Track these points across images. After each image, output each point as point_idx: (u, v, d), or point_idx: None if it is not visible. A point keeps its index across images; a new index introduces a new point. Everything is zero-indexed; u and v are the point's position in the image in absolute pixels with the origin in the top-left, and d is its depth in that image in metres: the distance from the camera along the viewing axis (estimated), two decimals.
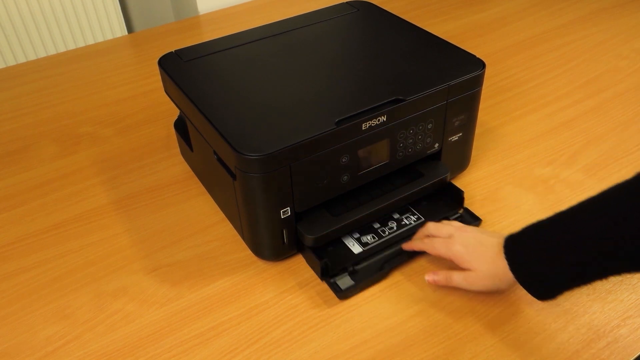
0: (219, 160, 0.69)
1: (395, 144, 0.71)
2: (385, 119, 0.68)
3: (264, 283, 0.70)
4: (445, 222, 0.72)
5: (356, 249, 0.72)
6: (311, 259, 0.70)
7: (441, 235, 0.68)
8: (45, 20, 1.60)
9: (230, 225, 0.78)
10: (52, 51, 1.65)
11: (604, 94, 1.04)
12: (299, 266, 0.72)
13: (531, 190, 0.83)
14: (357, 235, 0.73)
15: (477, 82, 0.75)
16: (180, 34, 1.35)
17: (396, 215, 0.76)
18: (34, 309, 0.69)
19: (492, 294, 0.66)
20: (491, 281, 0.63)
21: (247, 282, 0.71)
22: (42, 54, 1.63)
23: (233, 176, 0.66)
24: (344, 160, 0.67)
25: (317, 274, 0.70)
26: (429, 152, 0.77)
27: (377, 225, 0.75)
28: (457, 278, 0.65)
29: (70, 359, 0.63)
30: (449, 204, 0.78)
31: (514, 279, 0.59)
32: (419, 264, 0.72)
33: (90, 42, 1.69)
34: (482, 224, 0.76)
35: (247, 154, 0.61)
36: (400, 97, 0.68)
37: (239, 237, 0.76)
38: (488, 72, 1.11)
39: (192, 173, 0.89)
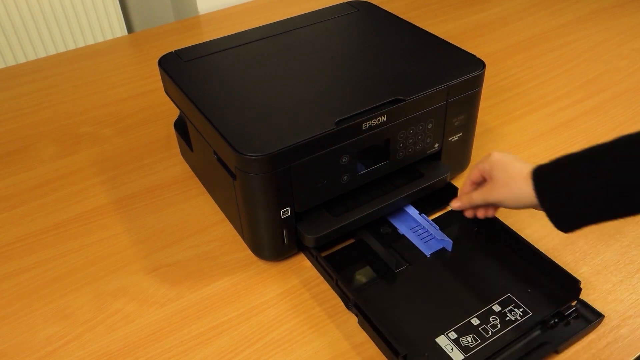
0: (219, 160, 0.69)
1: (395, 144, 0.71)
2: (385, 119, 0.68)
3: (264, 283, 0.70)
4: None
5: (457, 355, 0.59)
6: None
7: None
8: (45, 20, 1.60)
9: (230, 225, 0.78)
10: (52, 51, 1.65)
11: (604, 94, 1.04)
12: (299, 266, 0.72)
13: None
14: (454, 336, 0.61)
15: (477, 82, 0.75)
16: (180, 34, 1.35)
17: (497, 308, 0.64)
18: (34, 309, 0.69)
19: None
20: (509, 192, 0.60)
21: (247, 282, 0.71)
22: (42, 54, 1.63)
23: (233, 176, 0.66)
24: (344, 160, 0.67)
25: None
26: (429, 152, 0.77)
27: (476, 322, 0.63)
28: (476, 195, 0.65)
29: (70, 359, 0.63)
30: (560, 294, 0.65)
31: (535, 202, 0.57)
32: None
33: (90, 42, 1.69)
34: None
35: (247, 154, 0.61)
36: (400, 97, 0.68)
37: (239, 237, 0.76)
38: (488, 72, 1.11)
39: (192, 173, 0.89)
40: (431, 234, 0.73)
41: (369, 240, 0.73)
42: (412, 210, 0.76)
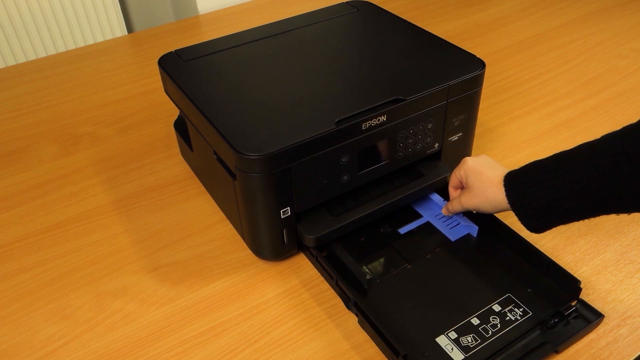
0: (219, 160, 0.69)
1: (395, 144, 0.71)
2: (385, 119, 0.68)
3: (264, 283, 0.70)
4: None
5: (457, 355, 0.59)
6: None
7: None
8: (45, 20, 1.60)
9: (230, 225, 0.78)
10: (52, 51, 1.64)
11: (604, 93, 1.04)
12: (299, 266, 0.72)
13: None
14: (454, 336, 0.61)
15: (477, 82, 0.75)
16: (180, 34, 1.35)
17: (497, 308, 0.64)
18: (34, 309, 0.69)
19: None
20: (485, 199, 0.64)
21: (247, 282, 0.71)
22: (42, 54, 1.63)
23: (233, 176, 0.66)
24: (344, 160, 0.67)
25: None
26: (429, 152, 0.77)
27: (476, 322, 0.62)
28: (455, 203, 0.70)
29: (70, 359, 0.63)
30: (560, 294, 0.65)
31: (509, 206, 0.62)
32: None
33: (90, 42, 1.69)
34: None
35: (247, 154, 0.61)
36: (400, 97, 0.68)
37: (239, 237, 0.76)
38: (488, 72, 1.11)
39: (192, 173, 0.89)
40: (456, 220, 0.75)
41: (341, 253, 0.71)
42: (437, 198, 0.78)
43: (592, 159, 0.56)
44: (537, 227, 0.60)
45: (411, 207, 0.78)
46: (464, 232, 0.74)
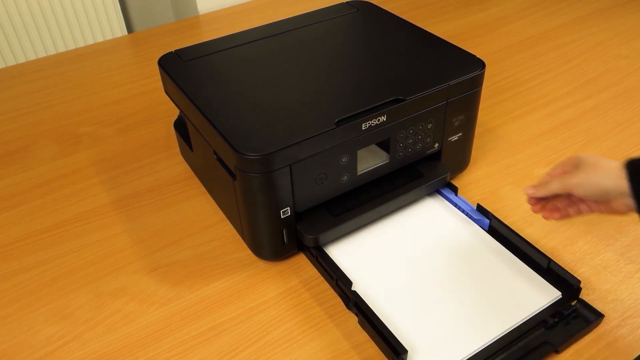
0: (219, 160, 0.69)
1: (395, 144, 0.71)
2: (385, 119, 0.68)
3: (264, 283, 0.70)
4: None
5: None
6: None
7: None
8: (45, 20, 1.60)
9: (230, 225, 0.78)
10: (52, 51, 1.65)
11: (604, 94, 1.04)
12: (299, 266, 0.72)
13: None
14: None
15: (477, 82, 0.75)
16: (180, 34, 1.35)
17: None
18: (34, 309, 0.69)
19: None
20: (594, 175, 0.59)
21: (247, 282, 0.71)
22: (42, 54, 1.63)
23: (233, 176, 0.66)
24: (343, 160, 0.67)
25: None
26: (429, 152, 0.77)
27: None
28: (555, 181, 0.61)
29: (70, 359, 0.63)
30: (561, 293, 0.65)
31: (625, 191, 0.57)
32: None
33: (90, 42, 1.69)
34: None
35: (247, 154, 0.61)
36: (400, 97, 0.68)
37: (239, 237, 0.76)
38: (488, 72, 1.11)
39: (192, 173, 0.89)
40: (468, 213, 0.75)
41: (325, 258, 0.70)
42: (448, 192, 0.78)
43: None
44: None
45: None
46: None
